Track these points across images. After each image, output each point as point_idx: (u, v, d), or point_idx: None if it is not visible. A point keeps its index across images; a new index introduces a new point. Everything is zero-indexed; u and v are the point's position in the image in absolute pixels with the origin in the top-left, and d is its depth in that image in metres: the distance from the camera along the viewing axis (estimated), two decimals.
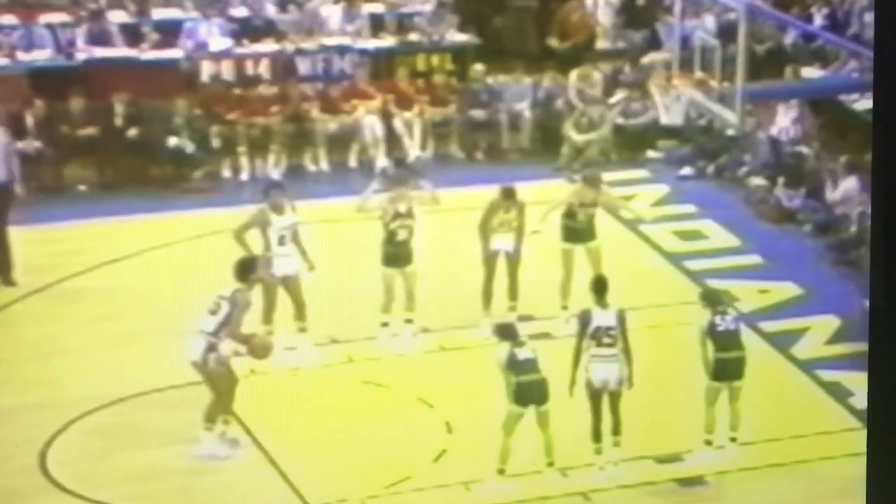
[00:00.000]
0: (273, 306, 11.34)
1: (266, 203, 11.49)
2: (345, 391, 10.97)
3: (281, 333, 11.36)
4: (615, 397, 10.20)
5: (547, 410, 9.97)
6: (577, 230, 11.88)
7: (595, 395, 10.17)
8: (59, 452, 10.33)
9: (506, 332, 10.16)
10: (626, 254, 13.04)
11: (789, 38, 15.86)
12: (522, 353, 9.96)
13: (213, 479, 10.16)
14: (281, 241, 11.40)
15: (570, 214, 11.92)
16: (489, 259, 11.82)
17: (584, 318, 10.24)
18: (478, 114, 15.34)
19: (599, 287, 10.33)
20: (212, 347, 10.23)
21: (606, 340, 10.15)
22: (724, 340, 10.39)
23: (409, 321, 11.60)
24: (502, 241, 11.79)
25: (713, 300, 10.66)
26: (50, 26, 15.06)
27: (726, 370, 10.40)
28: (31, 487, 10.03)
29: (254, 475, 10.16)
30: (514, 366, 9.90)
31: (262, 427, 10.54)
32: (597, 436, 10.19)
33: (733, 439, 10.47)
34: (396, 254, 11.50)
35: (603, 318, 10.20)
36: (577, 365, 10.12)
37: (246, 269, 10.54)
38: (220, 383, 10.27)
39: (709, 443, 10.45)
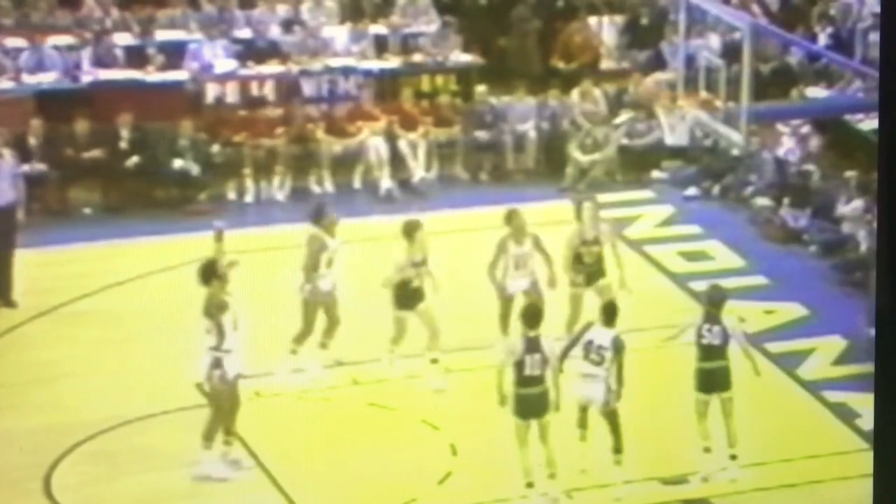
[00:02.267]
0: (310, 329, 11.41)
1: (319, 227, 11.55)
2: (350, 413, 10.94)
3: (288, 356, 11.37)
4: (611, 417, 10.15)
5: (547, 423, 9.97)
6: (586, 273, 11.70)
7: (580, 409, 10.19)
8: (64, 476, 10.31)
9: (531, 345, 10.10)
10: (631, 275, 13.00)
11: (794, 58, 15.86)
12: (529, 369, 9.94)
13: (218, 501, 10.15)
14: (329, 263, 11.49)
15: (577, 258, 11.71)
16: (506, 301, 11.63)
17: (585, 328, 10.30)
18: (482, 134, 15.35)
19: (609, 312, 10.31)
20: (217, 364, 10.20)
21: (594, 357, 10.13)
22: (707, 350, 10.39)
23: (434, 361, 11.45)
24: (519, 282, 11.59)
25: (714, 301, 10.58)
26: (56, 49, 15.09)
27: (710, 381, 10.37)
28: None
29: (258, 497, 10.15)
30: (519, 378, 9.94)
31: (266, 449, 10.52)
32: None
33: (733, 457, 10.43)
34: (407, 297, 11.44)
35: (600, 335, 10.17)
36: (561, 361, 10.14)
37: (208, 275, 10.43)
38: (223, 402, 10.24)
39: (707, 450, 10.41)
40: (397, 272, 11.43)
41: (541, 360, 9.97)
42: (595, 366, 10.13)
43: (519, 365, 9.94)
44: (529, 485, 10.00)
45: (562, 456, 10.11)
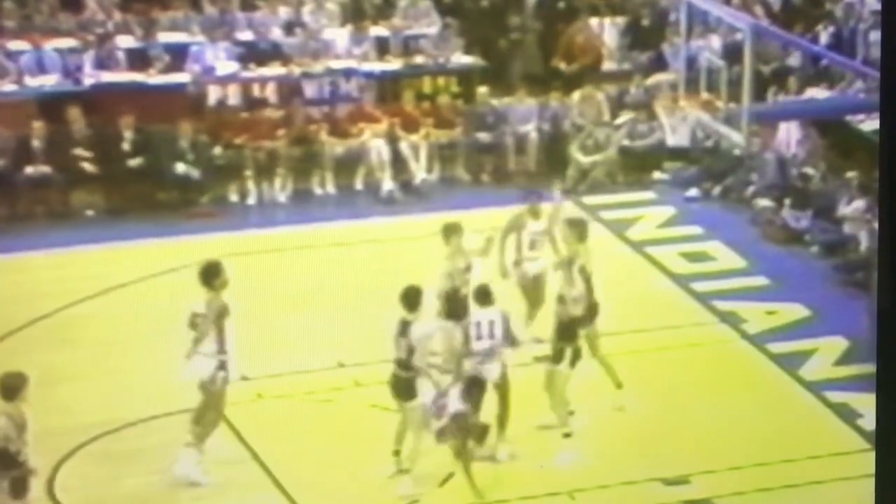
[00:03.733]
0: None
1: (526, 207, 11.66)
2: (352, 415, 10.95)
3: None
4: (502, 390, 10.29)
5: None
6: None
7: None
8: (67, 478, 10.31)
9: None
10: (632, 276, 13.03)
11: (795, 59, 15.86)
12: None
13: (220, 502, 10.14)
14: (532, 246, 11.55)
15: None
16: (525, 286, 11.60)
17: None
18: (483, 136, 15.36)
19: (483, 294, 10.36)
20: (222, 366, 10.20)
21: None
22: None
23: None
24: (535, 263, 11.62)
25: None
26: (58, 51, 15.11)
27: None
28: None
29: (260, 498, 10.15)
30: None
31: (268, 450, 10.52)
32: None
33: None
34: (456, 308, 11.12)
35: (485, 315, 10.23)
36: None
37: (211, 275, 10.42)
38: (220, 404, 10.24)
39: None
40: (445, 280, 11.04)
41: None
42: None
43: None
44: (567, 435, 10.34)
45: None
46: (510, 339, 10.37)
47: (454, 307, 10.86)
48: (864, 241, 13.11)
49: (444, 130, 15.25)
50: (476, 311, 10.38)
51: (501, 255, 11.58)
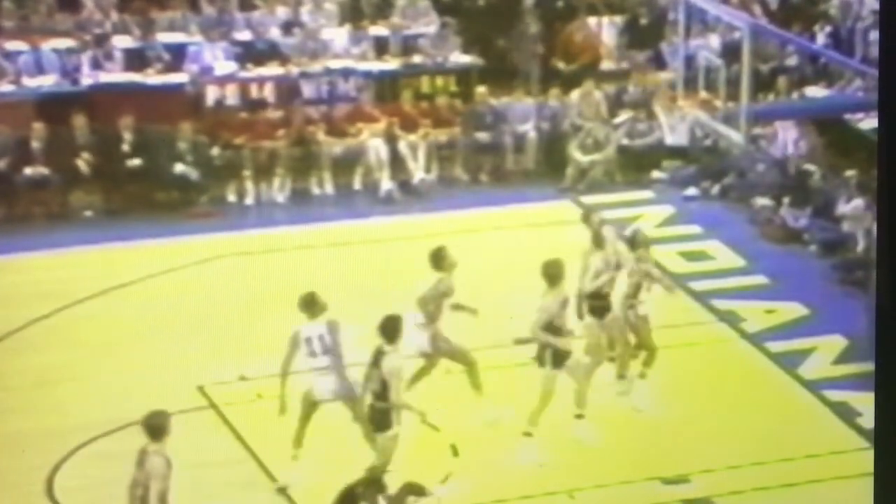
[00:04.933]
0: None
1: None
2: (350, 415, 10.93)
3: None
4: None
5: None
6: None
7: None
8: (66, 479, 10.32)
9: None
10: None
11: (793, 58, 15.85)
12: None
13: (219, 502, 10.14)
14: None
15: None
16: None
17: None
18: (482, 135, 15.35)
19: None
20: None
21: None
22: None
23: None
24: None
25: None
26: (56, 52, 15.09)
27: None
28: None
29: (260, 498, 10.14)
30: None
31: (267, 450, 10.51)
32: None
33: (579, 416, 10.63)
34: (602, 307, 11.27)
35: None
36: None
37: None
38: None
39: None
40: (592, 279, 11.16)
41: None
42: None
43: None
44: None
45: None
46: (338, 353, 10.20)
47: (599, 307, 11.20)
48: (863, 240, 13.10)
49: (442, 130, 15.24)
50: (306, 327, 10.26)
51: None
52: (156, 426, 9.16)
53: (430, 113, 15.27)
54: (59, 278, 12.80)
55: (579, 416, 10.72)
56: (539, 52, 15.99)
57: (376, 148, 14.89)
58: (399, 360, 10.09)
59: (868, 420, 10.89)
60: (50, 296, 12.43)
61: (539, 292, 11.17)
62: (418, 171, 14.98)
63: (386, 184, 14.76)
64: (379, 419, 10.09)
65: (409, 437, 10.66)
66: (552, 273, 10.80)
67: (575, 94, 15.44)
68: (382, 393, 10.04)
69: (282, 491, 10.14)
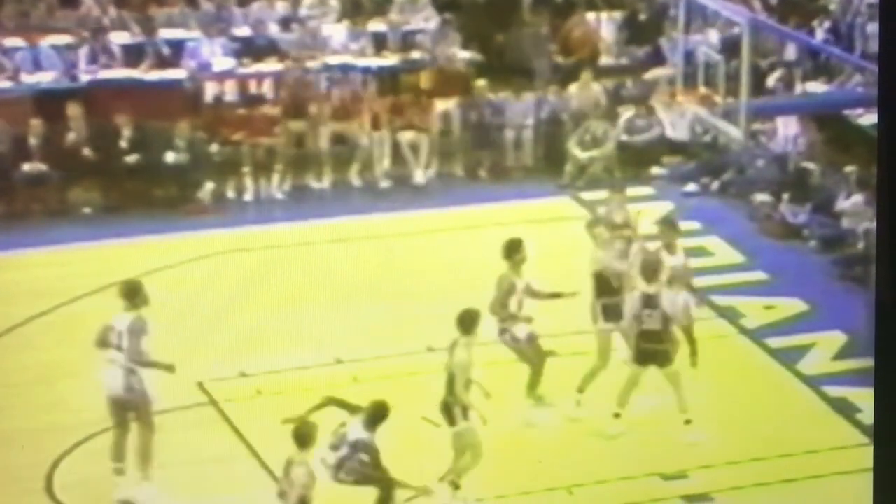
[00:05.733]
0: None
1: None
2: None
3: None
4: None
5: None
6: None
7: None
8: (65, 475, 10.32)
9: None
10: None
11: (793, 53, 15.83)
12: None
13: (220, 500, 10.14)
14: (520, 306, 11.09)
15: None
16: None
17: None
18: (481, 131, 15.32)
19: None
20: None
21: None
22: (647, 335, 10.58)
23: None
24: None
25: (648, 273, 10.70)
26: (54, 48, 15.08)
27: (647, 357, 10.62)
28: None
29: (261, 495, 10.13)
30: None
31: (268, 448, 10.51)
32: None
33: (688, 421, 10.61)
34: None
35: None
36: None
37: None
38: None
39: (617, 415, 10.61)
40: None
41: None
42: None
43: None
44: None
45: None
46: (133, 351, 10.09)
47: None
48: (863, 236, 13.09)
49: (439, 126, 15.20)
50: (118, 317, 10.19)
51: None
52: (303, 435, 9.17)
53: (428, 109, 15.23)
54: (57, 275, 12.78)
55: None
56: (551, 50, 15.98)
57: (375, 144, 14.89)
58: (467, 354, 10.04)
59: (868, 416, 10.88)
60: (49, 292, 12.42)
61: (537, 288, 11.19)
62: (418, 168, 14.99)
63: (385, 180, 14.78)
64: (447, 413, 10.06)
65: (407, 434, 10.68)
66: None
67: (573, 88, 15.43)
68: (449, 385, 10.03)
69: None
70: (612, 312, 11.12)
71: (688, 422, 10.66)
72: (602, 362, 11.06)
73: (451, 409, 10.04)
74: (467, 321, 10.17)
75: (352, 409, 9.81)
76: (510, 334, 11.02)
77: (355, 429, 9.81)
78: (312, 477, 9.11)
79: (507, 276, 11.04)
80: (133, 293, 10.30)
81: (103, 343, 10.21)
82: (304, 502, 9.08)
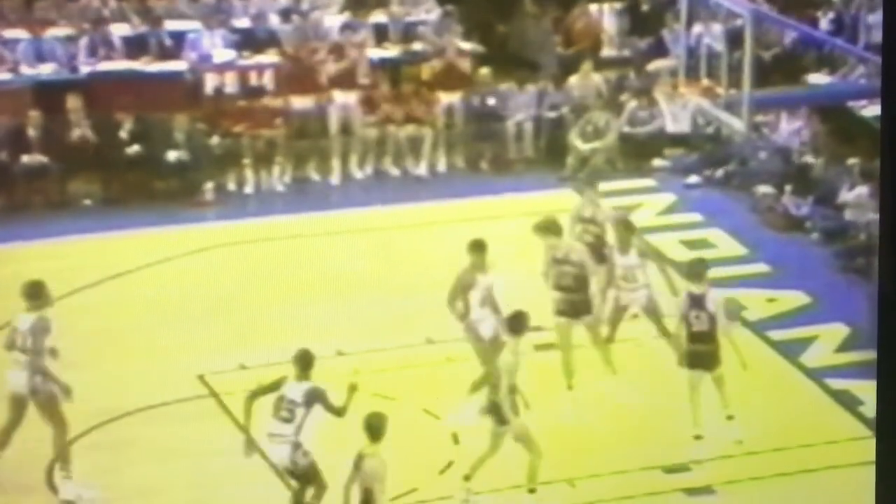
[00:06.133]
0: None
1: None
2: (351, 403, 10.91)
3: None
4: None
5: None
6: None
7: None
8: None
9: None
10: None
11: (796, 45, 15.78)
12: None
13: (221, 492, 10.12)
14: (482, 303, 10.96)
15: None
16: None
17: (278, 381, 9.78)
18: (483, 123, 15.27)
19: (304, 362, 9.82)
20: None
21: (284, 414, 9.62)
22: (696, 336, 10.49)
23: None
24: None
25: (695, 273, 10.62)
26: (55, 40, 15.04)
27: (698, 360, 10.49)
28: (38, 503, 9.98)
29: (261, 489, 10.11)
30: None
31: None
32: None
33: (730, 417, 10.52)
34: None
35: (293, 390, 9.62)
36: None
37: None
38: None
39: (698, 437, 10.48)
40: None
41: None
42: (284, 423, 9.60)
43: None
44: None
45: None
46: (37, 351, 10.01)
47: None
48: (865, 228, 13.04)
49: (441, 118, 15.15)
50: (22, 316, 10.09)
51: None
52: (374, 426, 9.13)
53: (429, 100, 15.19)
54: (58, 267, 12.74)
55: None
56: (554, 41, 15.94)
57: (375, 135, 14.87)
58: (513, 356, 9.96)
59: (870, 409, 10.85)
60: (49, 284, 12.37)
61: (538, 280, 11.16)
62: (420, 160, 14.96)
63: (386, 172, 14.77)
64: (495, 414, 9.97)
65: (408, 426, 10.66)
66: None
67: (573, 79, 15.38)
68: (495, 387, 9.94)
69: None
70: (565, 306, 11.08)
71: (730, 417, 10.62)
72: (564, 355, 10.98)
73: (500, 408, 9.91)
74: (516, 324, 10.10)
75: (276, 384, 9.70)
76: (474, 332, 10.85)
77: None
78: (384, 468, 9.08)
79: (467, 272, 10.87)
80: (35, 294, 10.21)
81: (9, 345, 10.10)
82: (370, 494, 9.03)
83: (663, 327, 11.12)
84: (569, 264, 11.08)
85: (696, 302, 10.53)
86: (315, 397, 9.62)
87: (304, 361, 9.75)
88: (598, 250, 11.48)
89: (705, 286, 10.58)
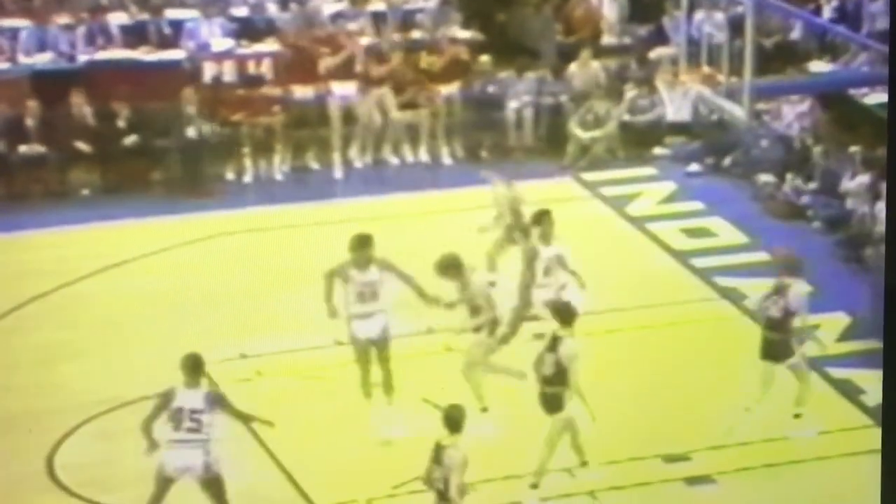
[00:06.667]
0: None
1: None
2: (351, 393, 10.90)
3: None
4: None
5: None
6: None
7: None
8: (66, 456, 10.29)
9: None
10: (633, 252, 12.95)
11: (798, 32, 15.72)
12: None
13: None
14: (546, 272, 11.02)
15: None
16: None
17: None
18: (482, 110, 15.22)
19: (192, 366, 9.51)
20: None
21: (189, 425, 9.27)
22: (768, 321, 10.53)
23: None
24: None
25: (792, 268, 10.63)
26: (56, 29, 14.98)
27: (770, 350, 10.49)
28: (39, 492, 9.97)
29: (260, 477, 10.10)
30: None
31: (268, 429, 10.45)
32: None
33: (797, 416, 10.55)
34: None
35: (189, 398, 9.27)
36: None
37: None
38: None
39: (748, 409, 10.47)
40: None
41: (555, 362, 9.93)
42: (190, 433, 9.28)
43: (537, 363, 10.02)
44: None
45: None
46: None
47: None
48: (868, 217, 12.99)
49: (443, 106, 15.10)
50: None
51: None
52: (454, 418, 9.07)
53: (429, 89, 15.12)
54: (57, 257, 12.76)
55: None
56: (554, 29, 15.88)
57: (377, 125, 14.83)
58: (575, 345, 9.95)
59: (872, 397, 10.85)
60: (49, 274, 12.39)
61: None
62: (419, 148, 14.92)
63: (387, 160, 14.74)
64: (551, 402, 9.96)
65: (410, 414, 10.65)
66: None
67: (573, 67, 15.33)
68: (556, 376, 9.91)
69: None
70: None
71: (797, 416, 10.61)
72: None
73: (561, 397, 9.91)
74: (564, 314, 10.08)
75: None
76: (351, 333, 10.63)
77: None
78: (466, 461, 9.06)
79: (342, 267, 10.54)
80: (196, 368, 9.64)
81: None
82: (447, 484, 8.99)
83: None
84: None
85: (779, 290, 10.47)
86: (216, 401, 9.37)
87: (194, 366, 9.36)
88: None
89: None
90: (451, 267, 10.54)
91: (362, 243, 10.44)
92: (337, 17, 15.30)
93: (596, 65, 15.36)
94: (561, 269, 11.01)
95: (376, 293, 10.45)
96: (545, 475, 9.93)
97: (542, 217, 11.18)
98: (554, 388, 9.90)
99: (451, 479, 8.98)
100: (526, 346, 10.60)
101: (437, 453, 9.08)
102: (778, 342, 10.51)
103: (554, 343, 9.95)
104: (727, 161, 14.77)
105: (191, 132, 14.25)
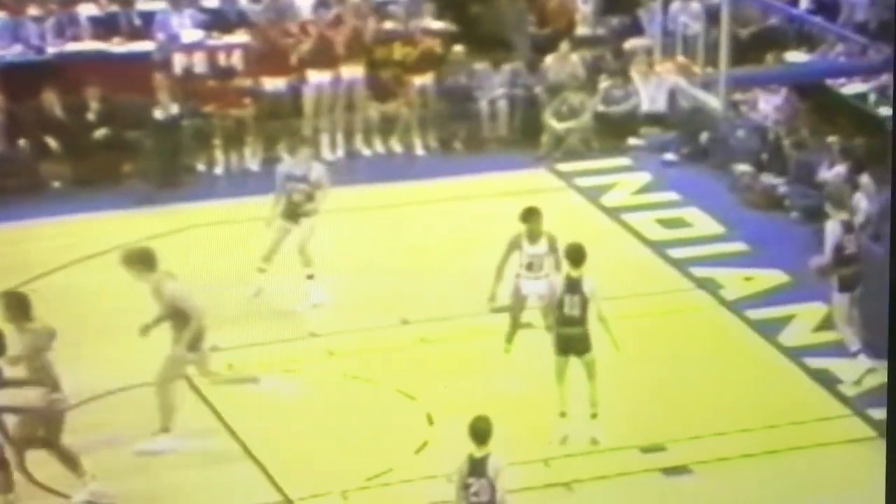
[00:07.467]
0: None
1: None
2: (325, 385, 10.81)
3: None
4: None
5: (590, 361, 10.31)
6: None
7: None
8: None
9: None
10: (608, 243, 12.89)
11: (774, 22, 15.67)
12: (568, 309, 10.23)
13: (192, 474, 10.02)
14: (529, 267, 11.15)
15: None
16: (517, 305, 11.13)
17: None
18: (456, 102, 15.13)
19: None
20: None
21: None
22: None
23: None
24: (532, 285, 11.07)
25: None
26: (26, 20, 14.84)
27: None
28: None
29: (234, 470, 10.02)
30: (559, 317, 10.32)
31: (242, 421, 10.38)
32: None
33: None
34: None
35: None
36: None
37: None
38: None
39: (563, 414, 10.38)
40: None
41: (580, 301, 10.18)
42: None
43: (559, 305, 10.25)
44: (562, 414, 10.33)
45: None
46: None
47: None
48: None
49: (415, 98, 15.00)
50: None
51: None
52: (481, 430, 8.95)
53: (403, 81, 15.04)
54: (28, 250, 12.63)
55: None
56: (528, 20, 15.81)
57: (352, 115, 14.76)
58: (593, 280, 10.28)
59: (848, 388, 10.83)
60: (20, 267, 12.24)
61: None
62: (393, 139, 14.84)
63: (365, 151, 14.66)
64: (579, 343, 10.28)
65: (383, 406, 10.57)
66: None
67: (549, 59, 15.26)
68: (581, 316, 10.23)
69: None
70: None
71: (594, 416, 10.47)
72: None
73: (587, 337, 10.26)
74: (576, 255, 10.36)
75: None
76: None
77: None
78: (504, 462, 8.99)
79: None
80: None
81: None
82: (493, 489, 8.91)
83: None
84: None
85: (572, 286, 10.38)
86: None
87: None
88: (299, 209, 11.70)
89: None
90: (138, 262, 10.45)
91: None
92: (315, 7, 15.20)
93: (575, 58, 15.29)
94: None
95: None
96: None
97: (530, 215, 11.10)
98: (579, 327, 10.20)
99: (497, 484, 8.91)
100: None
101: (475, 465, 8.94)
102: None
103: (572, 284, 10.18)
104: (703, 151, 14.66)
105: (159, 114, 14.11)
